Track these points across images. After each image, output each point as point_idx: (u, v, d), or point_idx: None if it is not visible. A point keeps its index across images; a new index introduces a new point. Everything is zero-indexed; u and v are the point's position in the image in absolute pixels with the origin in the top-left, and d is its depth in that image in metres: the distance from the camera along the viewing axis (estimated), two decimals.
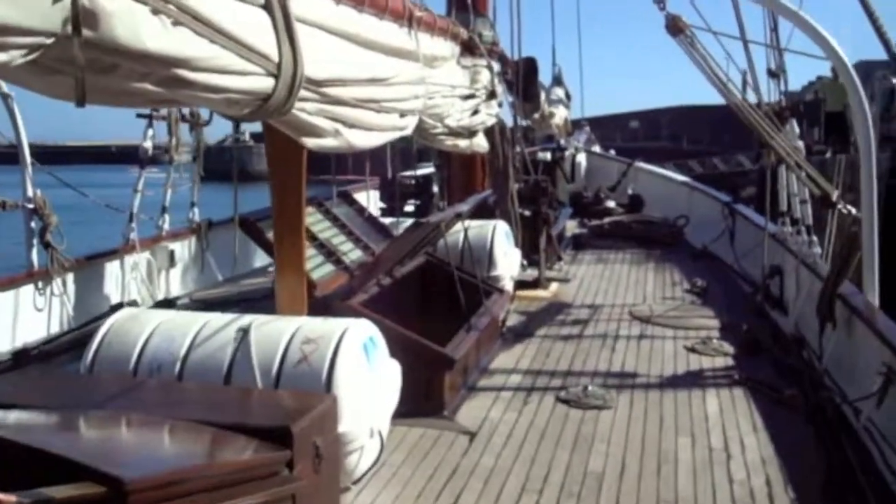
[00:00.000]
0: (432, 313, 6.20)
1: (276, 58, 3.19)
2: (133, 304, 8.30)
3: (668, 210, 13.97)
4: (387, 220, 8.62)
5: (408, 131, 5.46)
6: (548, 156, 15.21)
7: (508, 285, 7.54)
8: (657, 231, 12.83)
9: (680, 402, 5.62)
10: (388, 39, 4.82)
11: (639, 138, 57.26)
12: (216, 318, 4.09)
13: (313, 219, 6.28)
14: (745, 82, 7.56)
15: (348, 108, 4.16)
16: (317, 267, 5.61)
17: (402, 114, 5.18)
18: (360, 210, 6.88)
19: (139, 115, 8.34)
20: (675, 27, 6.29)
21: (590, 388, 5.73)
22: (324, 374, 3.67)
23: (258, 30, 3.06)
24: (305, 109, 3.73)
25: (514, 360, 6.54)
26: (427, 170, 11.64)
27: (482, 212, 9.12)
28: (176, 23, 2.69)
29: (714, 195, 13.08)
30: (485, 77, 7.63)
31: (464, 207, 6.48)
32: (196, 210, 9.61)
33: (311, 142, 3.98)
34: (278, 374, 3.71)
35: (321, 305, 5.26)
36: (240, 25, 2.92)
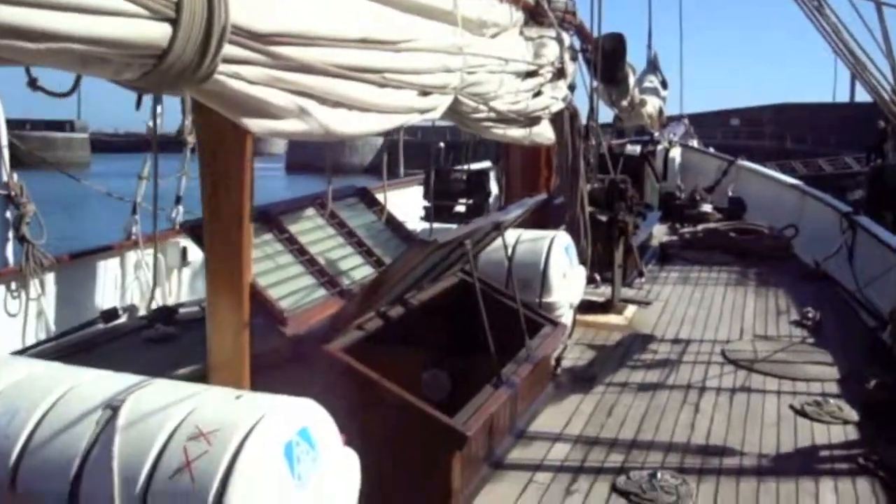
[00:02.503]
0: (470, 352, 4.67)
1: None
2: (132, 309, 7.18)
3: (774, 217, 12.14)
4: (426, 226, 7.14)
5: (435, 114, 4.12)
6: (637, 150, 13.45)
7: (566, 316, 5.94)
8: (760, 243, 11.03)
9: (784, 499, 4.04)
10: None
11: (740, 136, 54.70)
12: (87, 383, 2.70)
13: (309, 224, 4.79)
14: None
15: (326, 79, 2.79)
16: (299, 291, 4.16)
17: (425, 91, 3.82)
18: (380, 213, 5.36)
19: None
20: None
21: (659, 474, 4.16)
22: (210, 496, 2.25)
23: None
24: (242, 76, 2.40)
25: (563, 420, 4.99)
26: (483, 164, 10.09)
27: (547, 218, 7.58)
28: None
29: (831, 203, 11.20)
30: (552, 51, 6.11)
31: (504, 216, 4.95)
32: (180, 208, 8.25)
33: (255, 123, 2.63)
34: (145, 489, 2.31)
35: (294, 349, 3.85)
36: None
